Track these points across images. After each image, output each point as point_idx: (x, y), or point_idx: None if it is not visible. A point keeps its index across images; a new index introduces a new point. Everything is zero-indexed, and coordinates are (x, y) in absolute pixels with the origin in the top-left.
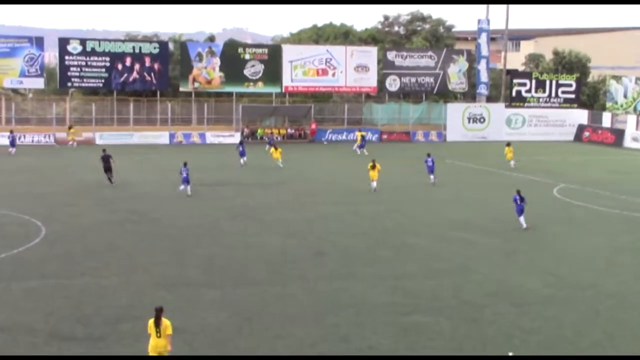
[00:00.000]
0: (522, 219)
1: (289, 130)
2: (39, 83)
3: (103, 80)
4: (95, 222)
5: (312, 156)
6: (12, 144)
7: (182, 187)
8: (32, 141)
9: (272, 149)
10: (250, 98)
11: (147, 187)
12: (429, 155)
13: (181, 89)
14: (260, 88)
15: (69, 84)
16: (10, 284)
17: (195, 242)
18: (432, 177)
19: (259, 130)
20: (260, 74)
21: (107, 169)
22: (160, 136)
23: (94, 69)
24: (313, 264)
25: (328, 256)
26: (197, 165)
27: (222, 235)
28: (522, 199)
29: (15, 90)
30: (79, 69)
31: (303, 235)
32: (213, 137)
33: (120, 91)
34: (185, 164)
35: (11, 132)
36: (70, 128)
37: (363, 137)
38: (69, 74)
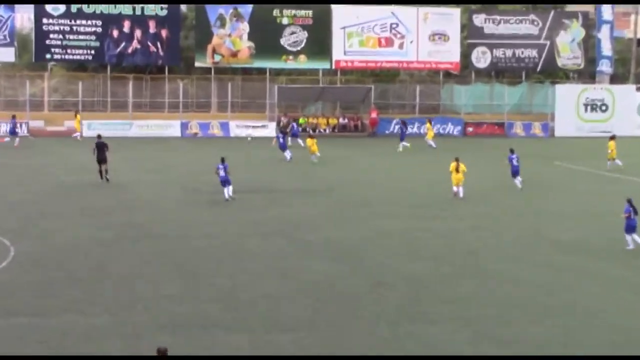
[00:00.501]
0: (633, 236)
1: (340, 120)
2: (9, 54)
3: (93, 52)
4: (81, 240)
5: (371, 154)
6: (13, 131)
7: (224, 191)
8: None
9: (309, 140)
10: (289, 77)
11: (149, 194)
12: (512, 151)
13: (197, 64)
14: (302, 63)
15: (48, 56)
16: None
17: (213, 268)
18: (518, 180)
19: (301, 120)
20: (303, 45)
21: (102, 160)
22: (168, 126)
23: (81, 37)
24: (370, 299)
25: (390, 288)
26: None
27: (249, 259)
28: (635, 211)
29: None
30: (61, 37)
31: (357, 260)
32: (239, 127)
33: (116, 66)
34: (223, 160)
35: (13, 117)
36: (76, 115)
37: (404, 124)
38: (47, 42)
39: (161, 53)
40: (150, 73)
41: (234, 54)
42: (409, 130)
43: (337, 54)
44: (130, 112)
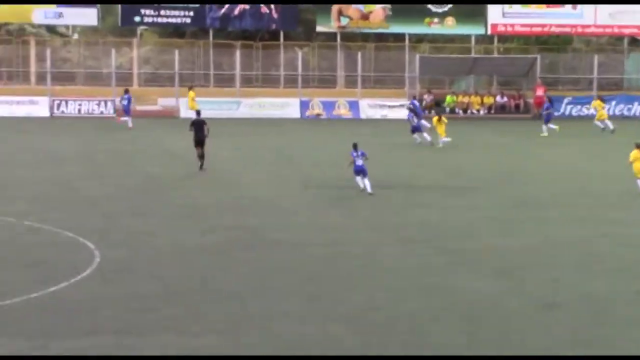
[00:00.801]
0: None
1: (498, 99)
2: (90, 17)
3: (192, 14)
4: (180, 246)
5: (536, 141)
6: (128, 110)
7: (361, 183)
8: (79, 111)
9: (435, 120)
10: (433, 45)
11: (263, 190)
12: None
13: (319, 29)
14: (450, 28)
15: (137, 19)
16: (48, 343)
17: (341, 282)
18: None
19: (448, 98)
20: (451, 5)
21: (200, 142)
22: (285, 105)
23: None
24: (539, 324)
25: (565, 311)
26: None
27: (385, 272)
28: None
29: (52, 29)
30: None
31: (520, 275)
32: (371, 107)
33: (220, 31)
34: (356, 147)
35: (126, 91)
36: (190, 89)
37: (551, 103)
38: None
39: (275, 15)
40: (262, 40)
41: (365, 16)
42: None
43: (494, 16)
44: (237, 88)
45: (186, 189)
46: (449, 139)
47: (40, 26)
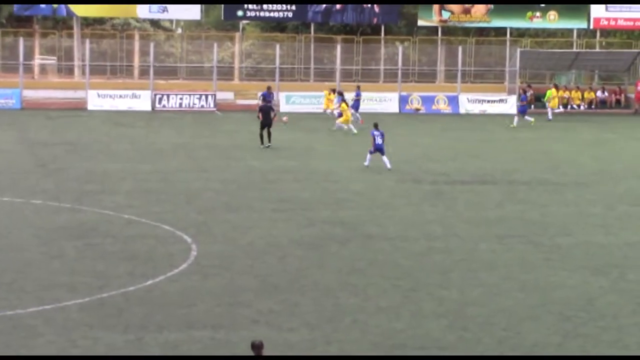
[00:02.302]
0: None
1: (598, 94)
2: (193, 11)
3: (294, 8)
4: (276, 240)
5: (638, 137)
6: (356, 106)
7: (384, 160)
8: (180, 105)
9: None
10: (535, 39)
11: (359, 185)
12: None
13: (420, 23)
14: (552, 22)
15: (240, 13)
16: (144, 335)
17: (437, 277)
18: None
19: (548, 92)
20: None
21: (266, 124)
22: (384, 100)
23: None
24: (638, 324)
25: None
26: (444, 151)
27: (482, 268)
28: None
29: (156, 24)
30: None
31: (619, 273)
32: (471, 102)
33: (321, 25)
34: (376, 126)
35: (268, 88)
36: (333, 93)
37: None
38: None
39: (376, 9)
40: (363, 34)
41: (467, 11)
42: None
43: (597, 9)
44: (337, 82)
45: (284, 182)
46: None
47: (144, 21)
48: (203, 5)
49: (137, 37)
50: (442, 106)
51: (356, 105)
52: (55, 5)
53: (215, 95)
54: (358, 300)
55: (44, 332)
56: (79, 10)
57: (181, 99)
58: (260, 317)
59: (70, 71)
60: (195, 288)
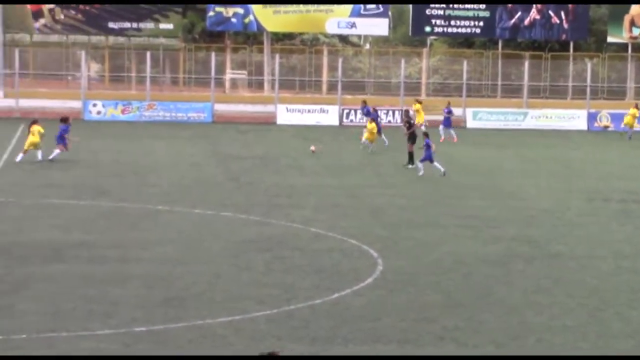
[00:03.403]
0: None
1: None
2: (382, 27)
3: (481, 24)
4: (462, 257)
5: None
6: (447, 123)
7: (438, 166)
8: (363, 120)
9: None
10: None
11: (546, 202)
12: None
13: (610, 39)
14: None
15: (428, 29)
16: (329, 349)
17: (625, 297)
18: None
19: None
20: None
21: (411, 138)
22: (572, 117)
23: (469, 5)
24: None
25: None
26: (633, 170)
27: None
28: None
29: (344, 39)
30: (444, 5)
31: None
32: None
33: (509, 41)
34: (427, 135)
35: (364, 103)
36: (417, 103)
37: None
38: (428, 12)
39: (565, 25)
40: (551, 50)
41: None
42: None
43: None
44: (525, 99)
45: (470, 199)
46: None
47: (333, 36)
48: (390, 21)
49: (325, 52)
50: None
51: (447, 122)
52: (246, 21)
53: (402, 110)
54: (544, 319)
55: (233, 342)
56: (269, 25)
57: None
58: (446, 334)
59: (260, 85)
60: (380, 302)
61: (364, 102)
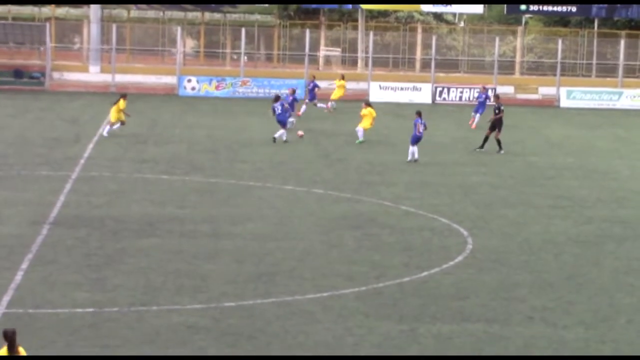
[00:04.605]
0: None
1: None
2: (477, 6)
3: (577, 3)
4: (553, 237)
5: None
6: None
7: (412, 151)
8: (460, 98)
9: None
10: None
11: (636, 183)
12: None
13: None
14: None
15: (523, 7)
16: (418, 326)
17: None
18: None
19: None
20: None
21: (496, 126)
22: None
23: None
24: None
25: None
26: None
27: None
28: None
29: (439, 17)
30: None
31: None
32: None
33: (605, 21)
34: (420, 114)
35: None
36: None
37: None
38: None
39: None
40: None
41: None
42: None
43: None
44: (620, 79)
45: (563, 179)
46: None
47: (428, 14)
48: None
49: (419, 30)
50: None
51: (481, 107)
52: None
53: (495, 88)
54: (634, 301)
55: (321, 319)
56: (364, 2)
57: (461, 92)
58: (535, 314)
59: (354, 63)
60: (470, 281)
61: (313, 76)
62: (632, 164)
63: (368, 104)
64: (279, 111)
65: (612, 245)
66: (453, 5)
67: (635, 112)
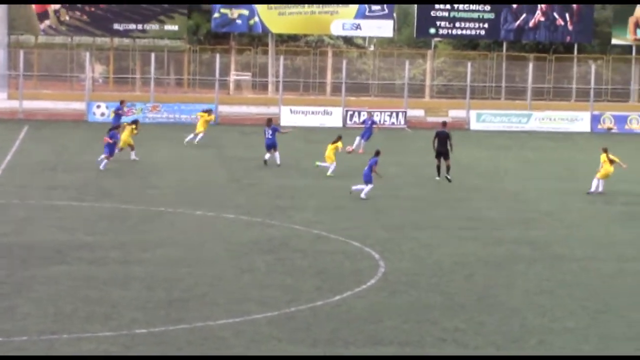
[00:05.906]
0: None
1: None
2: (386, 29)
3: (486, 26)
4: (463, 258)
5: None
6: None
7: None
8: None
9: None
10: None
11: (547, 204)
12: None
13: (614, 41)
14: None
15: (432, 31)
16: (330, 351)
17: (626, 300)
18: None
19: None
20: None
21: (442, 154)
22: (575, 119)
23: (474, 7)
24: None
25: None
26: (637, 173)
27: None
28: None
29: (349, 41)
30: (449, 7)
31: None
32: None
33: (513, 43)
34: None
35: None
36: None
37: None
38: (433, 13)
39: (570, 27)
40: (555, 52)
41: None
42: None
43: None
44: (529, 101)
45: (473, 200)
46: None
47: (338, 38)
48: (395, 22)
49: (330, 54)
50: (635, 126)
51: (367, 133)
52: (251, 22)
53: (405, 112)
54: (545, 321)
55: (234, 344)
56: (274, 27)
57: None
58: (447, 336)
59: (264, 87)
60: (382, 304)
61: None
62: (540, 186)
63: None
64: (269, 135)
65: (522, 266)
66: (363, 29)
67: (544, 134)
